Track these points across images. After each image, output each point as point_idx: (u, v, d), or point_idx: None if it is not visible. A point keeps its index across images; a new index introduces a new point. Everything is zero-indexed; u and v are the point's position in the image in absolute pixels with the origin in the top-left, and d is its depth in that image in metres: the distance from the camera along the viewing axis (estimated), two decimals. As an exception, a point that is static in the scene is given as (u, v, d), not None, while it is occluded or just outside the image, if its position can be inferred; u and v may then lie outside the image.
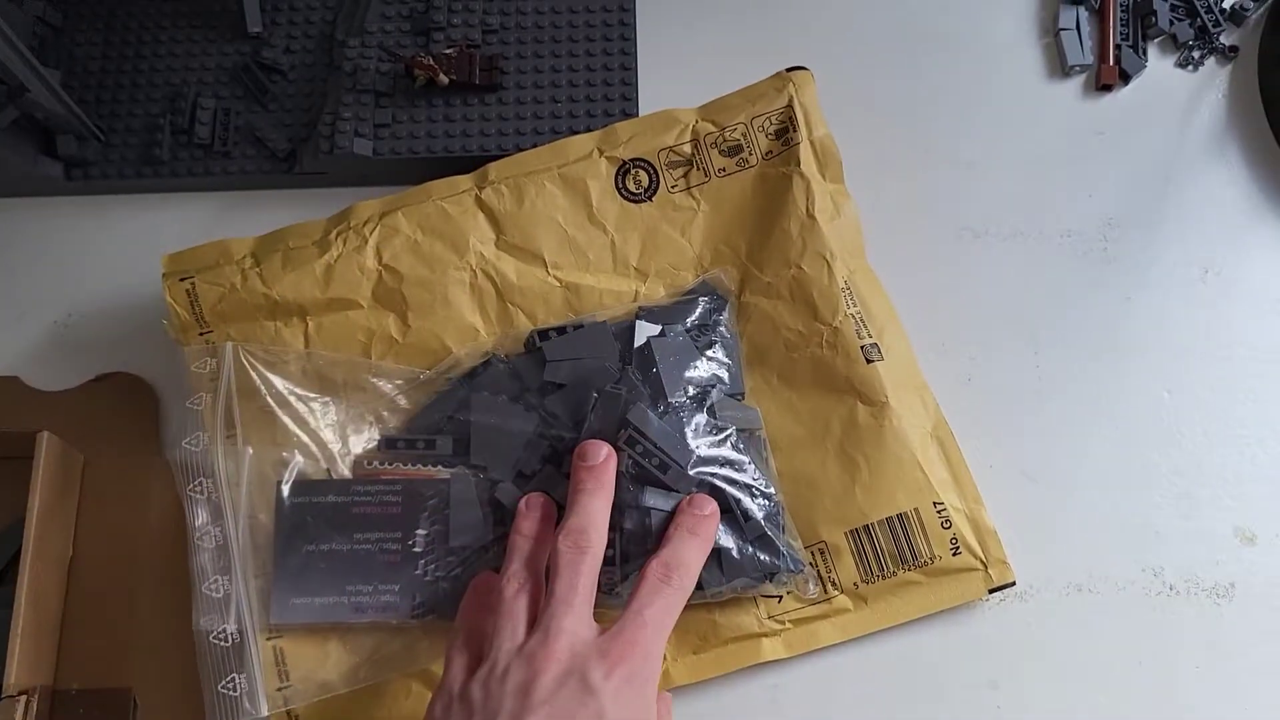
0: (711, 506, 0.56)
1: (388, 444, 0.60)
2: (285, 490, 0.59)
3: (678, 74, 0.71)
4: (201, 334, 0.63)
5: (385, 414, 0.61)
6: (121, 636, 0.61)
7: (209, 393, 0.60)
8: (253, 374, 0.60)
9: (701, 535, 0.55)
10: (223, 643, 0.56)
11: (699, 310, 0.62)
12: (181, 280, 0.63)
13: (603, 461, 0.55)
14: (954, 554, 0.59)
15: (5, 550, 0.62)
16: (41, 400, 0.66)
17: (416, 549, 0.58)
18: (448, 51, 0.67)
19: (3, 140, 0.65)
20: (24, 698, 0.56)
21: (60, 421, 0.63)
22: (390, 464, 0.59)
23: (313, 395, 0.61)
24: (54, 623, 0.61)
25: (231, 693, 0.55)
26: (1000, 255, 0.68)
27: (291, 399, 0.61)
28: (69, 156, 0.68)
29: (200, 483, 0.59)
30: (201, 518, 0.58)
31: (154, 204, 0.70)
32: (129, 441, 0.65)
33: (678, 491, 0.57)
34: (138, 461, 0.64)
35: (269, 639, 0.58)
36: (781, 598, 0.60)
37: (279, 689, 0.57)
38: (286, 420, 0.61)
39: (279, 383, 0.61)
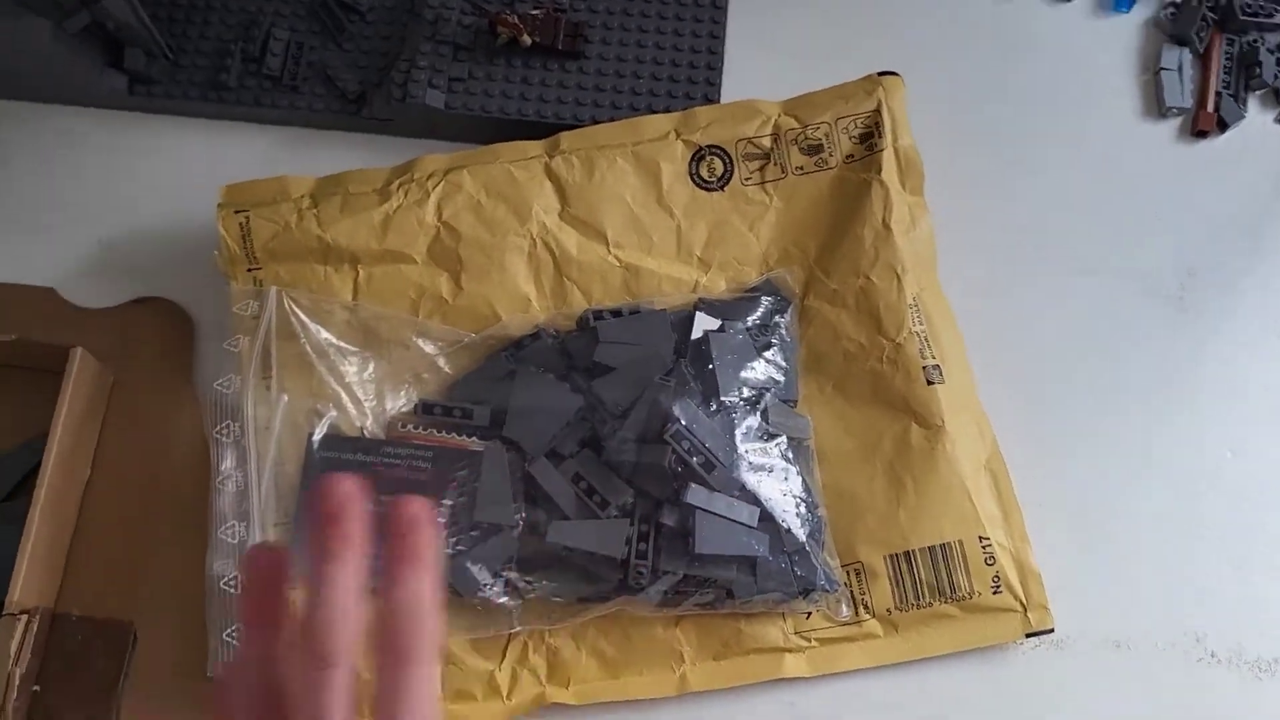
0: (417, 507, 0.36)
1: (424, 408, 0.58)
2: (315, 442, 0.57)
3: (764, 64, 0.69)
4: (250, 270, 0.61)
5: (425, 375, 0.60)
6: (130, 567, 0.59)
7: (248, 335, 0.59)
8: (294, 321, 0.59)
9: (421, 558, 0.35)
10: (233, 590, 0.54)
11: (761, 309, 0.60)
12: (237, 213, 0.61)
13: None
14: (994, 592, 0.57)
15: (24, 464, 0.60)
16: (76, 316, 0.64)
17: (440, 518, 0.56)
18: (534, 12, 0.65)
19: (71, 46, 0.63)
20: (24, 617, 0.55)
21: (93, 340, 0.61)
22: (424, 429, 0.57)
23: (354, 349, 0.59)
24: (64, 544, 0.59)
25: (236, 642, 0.54)
26: (1073, 290, 0.65)
27: (331, 351, 0.59)
28: (135, 71, 0.66)
29: (228, 426, 0.57)
30: (227, 461, 0.57)
31: (214, 130, 0.68)
32: (161, 369, 0.63)
33: (720, 492, 0.55)
34: (168, 390, 0.62)
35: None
36: (810, 614, 0.58)
37: (286, 642, 0.55)
38: (324, 371, 0.59)
39: (321, 333, 0.59)
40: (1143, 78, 0.70)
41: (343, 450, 0.57)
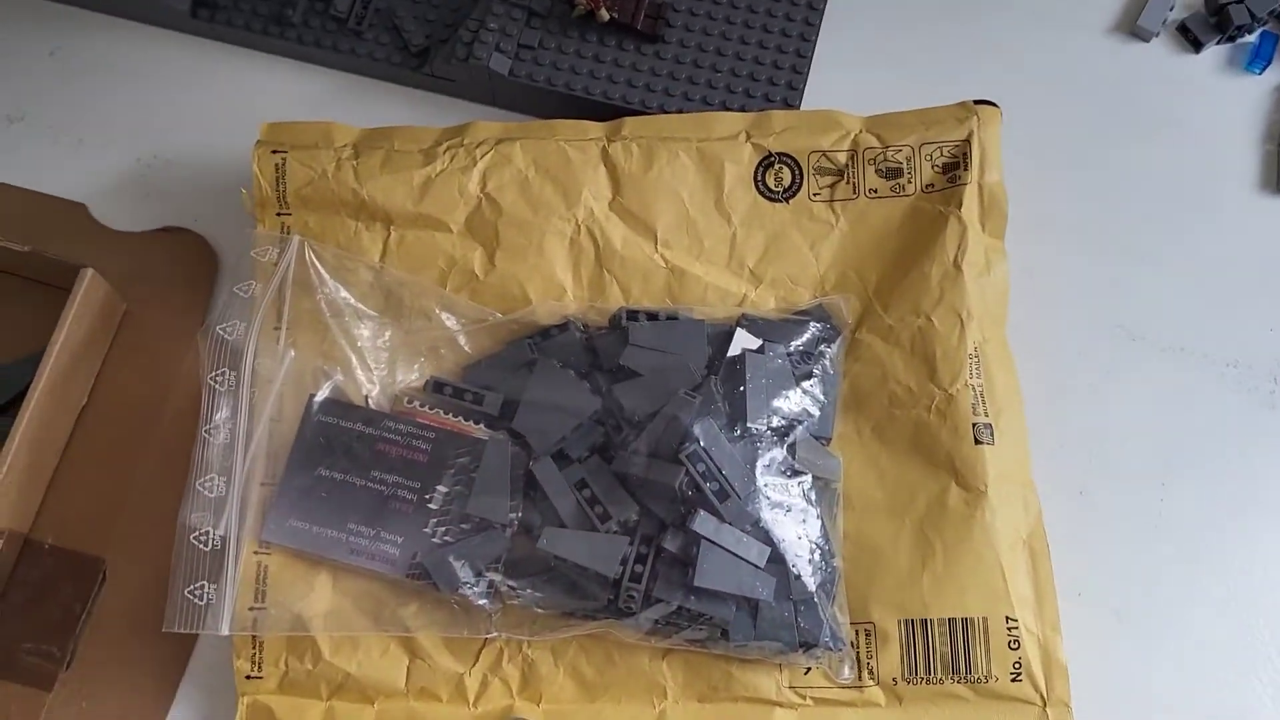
0: None
1: (435, 386, 0.55)
2: (316, 404, 0.54)
3: (853, 75, 0.64)
4: (279, 214, 0.58)
5: (443, 351, 0.56)
6: (110, 503, 0.57)
7: (261, 281, 0.56)
8: (314, 274, 0.56)
9: None
10: (203, 546, 0.51)
11: (807, 335, 0.56)
12: (275, 152, 0.58)
13: None
14: (1013, 679, 0.52)
15: (23, 378, 0.58)
16: (101, 236, 0.62)
17: (432, 504, 0.53)
18: (617, -14, 0.61)
19: (136, -42, 0.61)
20: (-7, 538, 0.53)
21: (113, 263, 0.59)
22: (430, 407, 0.54)
23: (372, 313, 0.56)
24: (47, 469, 0.57)
25: (197, 600, 0.51)
26: (1152, 367, 0.60)
27: (348, 311, 0.56)
28: (199, -6, 0.64)
29: (224, 373, 0.54)
30: (220, 411, 0.54)
31: (270, 65, 0.66)
32: (178, 303, 0.61)
33: (731, 524, 0.50)
34: (180, 326, 0.60)
35: (256, 553, 0.53)
36: (809, 669, 0.53)
37: (251, 608, 0.52)
38: (337, 331, 0.56)
39: (340, 291, 0.56)
40: (1265, 148, 0.64)
41: (343, 417, 0.54)
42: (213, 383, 0.53)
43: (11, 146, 0.65)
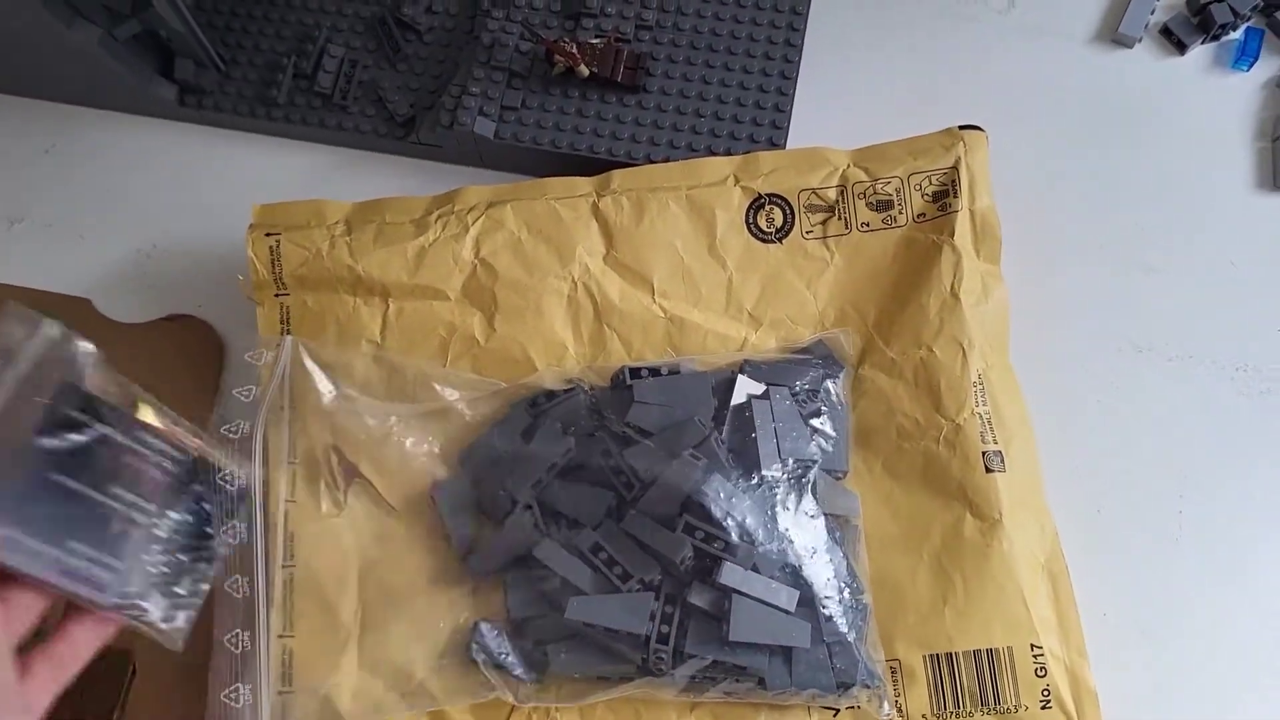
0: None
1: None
2: (57, 388, 0.41)
3: (836, 110, 0.64)
4: (277, 295, 0.59)
5: (449, 426, 0.57)
6: (134, 596, 0.57)
7: (262, 385, 0.56)
8: (311, 372, 0.56)
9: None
10: (234, 648, 0.52)
11: (811, 373, 0.56)
12: (268, 235, 0.58)
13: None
14: (1043, 707, 0.52)
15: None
16: (108, 330, 0.63)
17: (160, 532, 0.44)
18: (594, 41, 0.61)
19: (121, 54, 0.61)
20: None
21: (122, 356, 0.59)
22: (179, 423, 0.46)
23: (374, 400, 0.56)
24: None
25: (234, 704, 0.51)
26: (1162, 378, 0.59)
27: (348, 404, 0.56)
28: (185, 81, 0.65)
29: (230, 473, 0.53)
30: (237, 512, 0.54)
31: (260, 145, 0.66)
32: (186, 391, 0.61)
33: (758, 573, 0.50)
34: (189, 412, 0.60)
35: (280, 636, 0.54)
36: (838, 712, 0.53)
37: (280, 692, 0.53)
38: (342, 426, 0.56)
39: (342, 386, 0.56)
40: (1259, 145, 0.63)
41: (92, 413, 0.42)
42: (222, 483, 0.53)
43: (13, 247, 0.66)
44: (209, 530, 0.46)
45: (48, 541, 0.40)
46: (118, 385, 0.44)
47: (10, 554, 0.40)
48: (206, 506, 0.46)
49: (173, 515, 0.45)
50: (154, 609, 0.43)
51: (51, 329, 0.41)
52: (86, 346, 0.42)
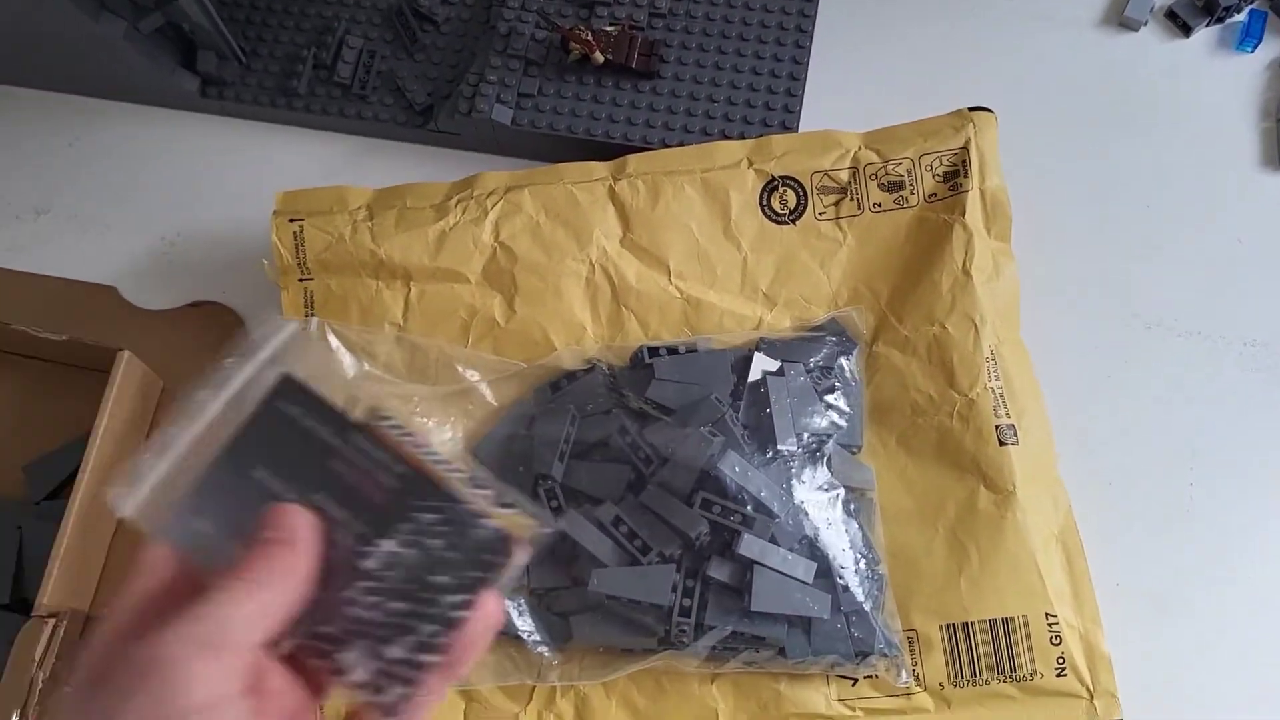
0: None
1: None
2: (274, 379, 0.37)
3: (848, 93, 0.66)
4: (301, 280, 0.60)
5: (471, 407, 0.58)
6: (164, 575, 0.58)
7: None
8: (336, 352, 0.57)
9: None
10: None
11: (824, 350, 0.57)
12: (291, 221, 0.60)
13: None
14: (1058, 674, 0.53)
15: (68, 463, 0.60)
16: (134, 317, 0.64)
17: (366, 563, 0.35)
18: (609, 29, 0.63)
19: (145, 46, 0.63)
20: (52, 621, 0.54)
21: (147, 342, 0.61)
22: (405, 434, 0.37)
23: (397, 381, 0.57)
24: (101, 547, 0.59)
25: None
26: (1170, 353, 0.60)
27: (373, 383, 0.57)
28: (207, 73, 0.66)
29: None
30: None
31: (281, 135, 0.68)
32: (211, 375, 0.62)
33: (776, 545, 0.51)
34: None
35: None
36: (856, 681, 0.54)
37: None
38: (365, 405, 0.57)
39: (364, 365, 0.57)
40: (1264, 125, 0.64)
41: (305, 411, 0.37)
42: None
43: (40, 237, 0.67)
44: (440, 579, 0.35)
45: (241, 541, 0.35)
46: (353, 394, 0.38)
47: (199, 549, 0.35)
48: (436, 544, 0.36)
49: (385, 544, 0.36)
50: (357, 669, 0.34)
51: (291, 326, 0.38)
52: (332, 343, 0.42)
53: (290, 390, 0.37)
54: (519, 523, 0.36)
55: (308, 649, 0.34)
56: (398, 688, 0.34)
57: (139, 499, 0.35)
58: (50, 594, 0.54)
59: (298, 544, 0.33)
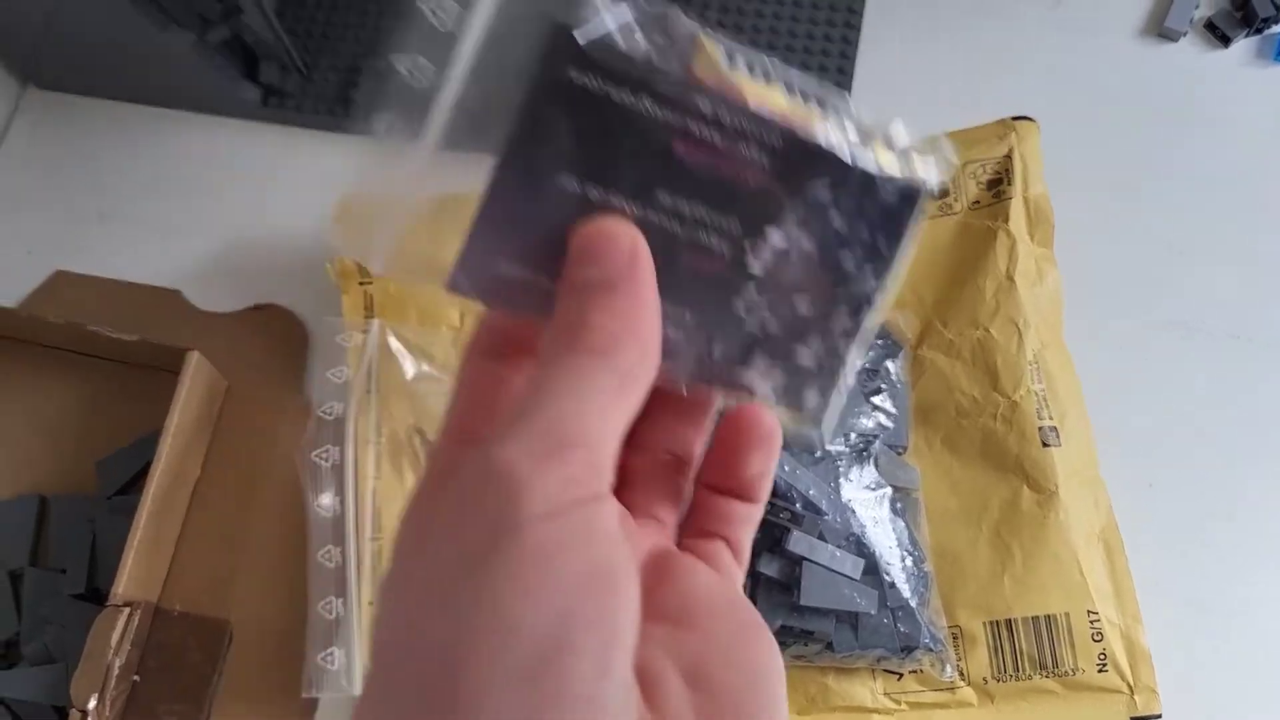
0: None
1: None
2: (565, 43, 0.25)
3: (891, 103, 0.67)
4: (361, 284, 0.62)
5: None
6: (228, 568, 0.61)
7: (352, 365, 0.59)
8: (397, 354, 0.59)
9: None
10: (328, 614, 0.55)
11: (871, 353, 0.59)
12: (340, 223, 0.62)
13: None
14: (1099, 670, 0.54)
15: (139, 459, 0.62)
16: (198, 319, 0.66)
17: (753, 265, 0.27)
18: (659, 40, 0.64)
19: (211, 58, 0.65)
20: (127, 610, 0.56)
21: (211, 344, 0.63)
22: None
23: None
24: (170, 541, 0.61)
25: (330, 666, 0.54)
26: (1211, 356, 0.62)
27: (432, 382, 0.59)
28: (269, 84, 0.68)
29: (327, 450, 0.57)
30: (328, 487, 0.57)
31: (340, 145, 0.70)
32: (273, 376, 0.65)
33: (825, 541, 0.53)
34: (275, 400, 0.64)
35: (370, 604, 0.57)
36: (902, 675, 0.56)
37: (371, 657, 0.56)
38: (424, 404, 0.59)
39: (423, 365, 0.59)
40: (1307, 131, 0.66)
41: (610, 78, 0.25)
42: (318, 460, 0.57)
43: (106, 241, 0.69)
44: (847, 261, 0.27)
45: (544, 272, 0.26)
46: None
47: (516, 299, 0.26)
48: (836, 222, 0.27)
49: (775, 239, 0.27)
50: (762, 384, 0.27)
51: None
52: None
53: (584, 56, 0.25)
54: (918, 168, 0.28)
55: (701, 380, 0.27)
56: (812, 392, 0.28)
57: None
58: (125, 584, 0.56)
59: (636, 276, 0.25)
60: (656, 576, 0.26)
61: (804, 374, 0.27)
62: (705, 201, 0.26)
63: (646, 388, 0.24)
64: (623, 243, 0.25)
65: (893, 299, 0.28)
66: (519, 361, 0.27)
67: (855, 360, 0.28)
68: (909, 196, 0.27)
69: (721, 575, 0.27)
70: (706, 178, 0.26)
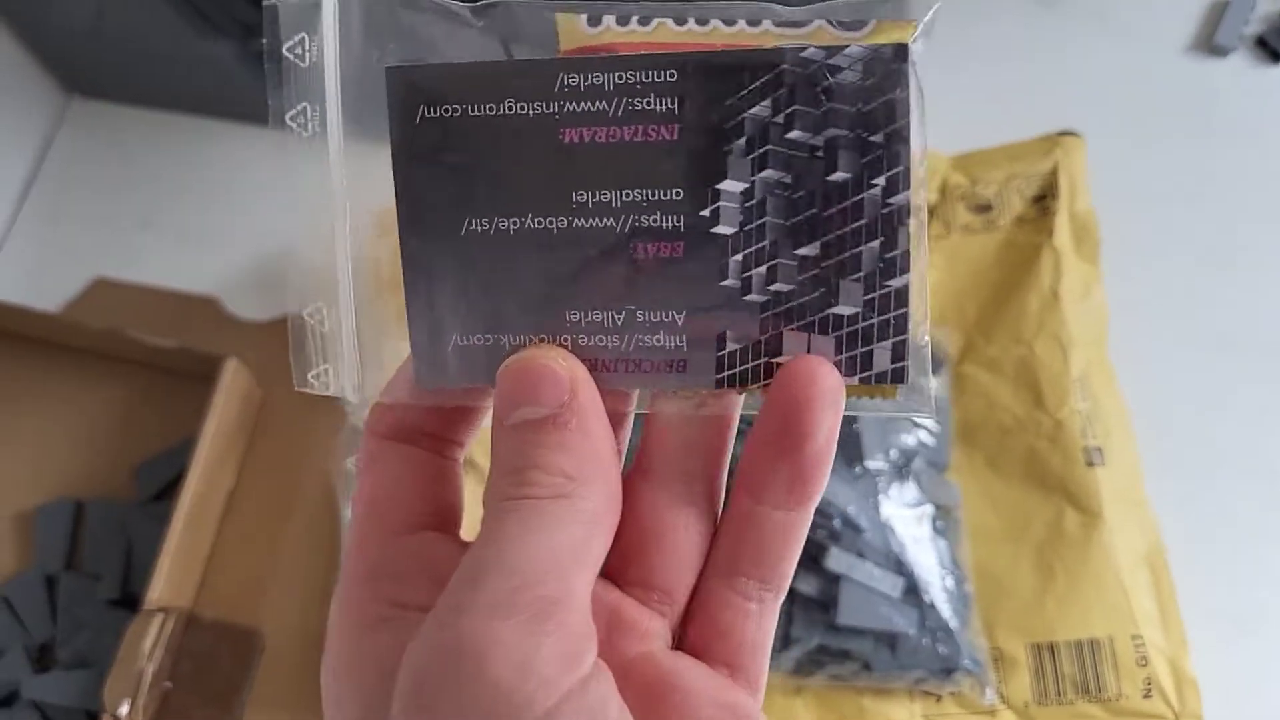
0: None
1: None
2: (396, 84, 0.24)
3: (935, 116, 0.66)
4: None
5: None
6: (261, 577, 0.61)
7: None
8: None
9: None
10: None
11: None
12: (381, 237, 0.62)
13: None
14: (1144, 696, 0.53)
15: (175, 466, 0.62)
16: (234, 327, 0.66)
17: (721, 227, 0.23)
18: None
19: (253, 67, 0.65)
20: (161, 615, 0.56)
21: (248, 351, 0.63)
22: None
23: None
24: (204, 548, 0.61)
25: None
26: (1261, 376, 0.60)
27: None
28: (309, 94, 0.68)
29: None
30: None
31: (379, 157, 0.70)
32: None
33: (864, 559, 0.52)
34: (308, 409, 0.64)
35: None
36: (941, 697, 0.55)
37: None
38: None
39: None
40: (1366, 148, 0.64)
41: (460, 96, 0.24)
42: (352, 469, 0.56)
43: (145, 250, 0.70)
44: (839, 172, 0.23)
45: (529, 328, 0.24)
46: None
47: (493, 369, 0.23)
48: (800, 136, 0.23)
49: (730, 183, 0.23)
50: (821, 340, 0.23)
51: None
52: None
53: (414, 82, 0.24)
54: (888, 28, 0.23)
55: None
56: (881, 348, 0.23)
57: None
58: (160, 590, 0.56)
59: (581, 406, 0.22)
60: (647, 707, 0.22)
61: (855, 328, 0.22)
62: (628, 182, 0.23)
63: (613, 531, 0.22)
64: (558, 372, 0.22)
65: (928, 186, 0.22)
66: (443, 448, 0.24)
67: (921, 290, 0.23)
68: (879, 62, 0.23)
69: (731, 660, 0.23)
70: (616, 155, 0.23)
